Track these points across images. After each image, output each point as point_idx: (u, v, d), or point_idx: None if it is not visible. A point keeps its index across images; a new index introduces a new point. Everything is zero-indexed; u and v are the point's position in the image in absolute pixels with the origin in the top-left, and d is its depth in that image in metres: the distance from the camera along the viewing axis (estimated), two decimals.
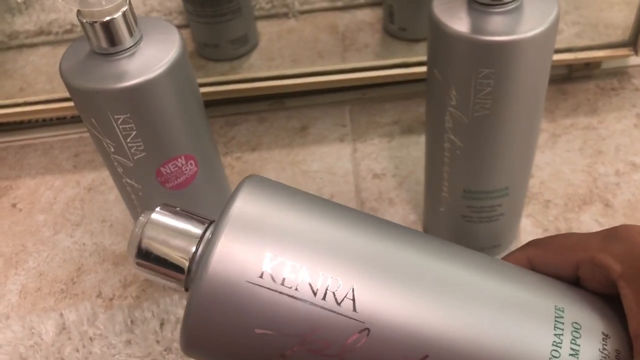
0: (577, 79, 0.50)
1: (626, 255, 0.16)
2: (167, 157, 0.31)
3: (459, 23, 0.29)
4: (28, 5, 0.63)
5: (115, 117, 0.29)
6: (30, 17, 0.63)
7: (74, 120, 0.53)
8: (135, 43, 0.29)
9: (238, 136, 0.51)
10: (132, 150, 0.31)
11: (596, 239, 0.18)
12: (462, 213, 0.36)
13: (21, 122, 0.53)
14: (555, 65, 0.32)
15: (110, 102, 0.29)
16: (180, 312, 0.38)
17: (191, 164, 0.33)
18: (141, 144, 0.30)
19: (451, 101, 0.31)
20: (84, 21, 0.27)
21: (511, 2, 0.29)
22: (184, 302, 0.38)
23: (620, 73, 0.50)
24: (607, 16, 0.52)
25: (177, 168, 0.32)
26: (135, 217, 0.36)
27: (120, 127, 0.29)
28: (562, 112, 0.48)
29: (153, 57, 0.29)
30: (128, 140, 0.30)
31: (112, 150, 0.31)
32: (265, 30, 0.59)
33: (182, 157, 0.32)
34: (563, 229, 0.40)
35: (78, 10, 0.27)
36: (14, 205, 0.48)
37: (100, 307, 0.40)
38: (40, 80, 0.58)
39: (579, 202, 0.42)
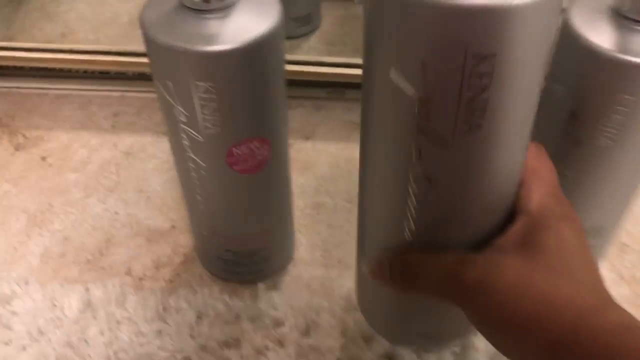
0: None
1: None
2: (243, 137, 0.28)
3: (603, 39, 0.25)
4: None
5: (197, 83, 0.25)
6: None
7: (118, 76, 0.49)
8: (233, 3, 0.25)
9: (291, 122, 0.47)
10: (206, 124, 0.27)
11: None
12: None
13: (60, 70, 0.49)
14: None
15: (195, 66, 0.25)
16: (221, 307, 0.34)
17: (265, 149, 0.29)
18: (218, 118, 0.26)
19: (572, 126, 0.27)
20: None
21: None
22: (225, 298, 0.35)
23: None
24: None
25: (250, 150, 0.28)
26: (189, 197, 0.32)
27: (200, 95, 0.26)
28: None
29: (250, 21, 0.25)
30: (205, 112, 0.26)
31: (183, 120, 0.27)
32: (329, 12, 0.55)
33: (258, 139, 0.28)
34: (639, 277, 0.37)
35: None
36: (43, 159, 0.44)
37: (129, 286, 0.36)
38: (84, 28, 0.54)
39: None
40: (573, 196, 0.30)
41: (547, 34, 0.19)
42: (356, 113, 0.48)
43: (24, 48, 0.48)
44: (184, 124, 0.27)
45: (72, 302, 0.34)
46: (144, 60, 0.47)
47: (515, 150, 0.21)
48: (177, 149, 0.29)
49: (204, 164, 0.29)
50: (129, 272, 0.37)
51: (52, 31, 0.53)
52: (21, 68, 0.49)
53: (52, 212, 0.40)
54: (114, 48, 0.47)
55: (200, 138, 0.27)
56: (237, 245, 0.34)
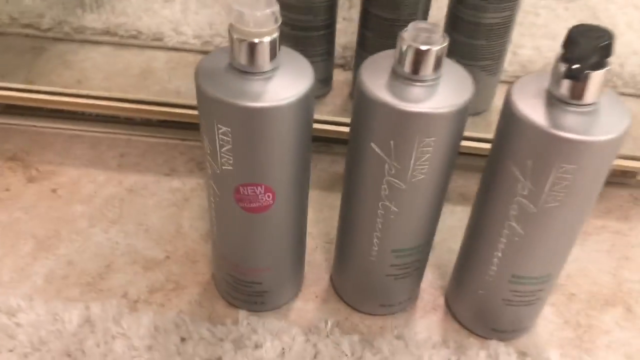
0: (612, 184, 0.52)
1: None
2: (247, 181, 0.32)
3: (538, 116, 0.30)
4: (100, 4, 0.66)
5: (218, 126, 0.30)
6: (99, 15, 0.65)
7: (126, 121, 0.54)
8: (274, 68, 0.30)
9: None
10: (223, 160, 0.32)
11: None
12: (503, 297, 0.37)
13: (74, 112, 0.54)
14: None
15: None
16: (205, 332, 0.37)
17: (268, 196, 0.33)
18: (231, 158, 0.31)
19: (523, 191, 0.32)
20: (235, 37, 0.28)
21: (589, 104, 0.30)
22: (208, 324, 0.38)
23: None
24: None
25: (253, 193, 0.33)
26: (212, 218, 0.36)
27: (220, 136, 0.31)
28: (595, 212, 0.50)
29: (288, 84, 0.30)
30: (223, 150, 0.31)
31: (208, 152, 0.32)
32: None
33: (262, 186, 0.33)
34: (584, 324, 0.42)
35: (230, 25, 0.29)
36: (54, 191, 0.48)
37: (125, 307, 0.39)
38: (97, 76, 0.59)
39: (602, 302, 0.43)
40: (528, 250, 0.34)
41: None
42: (340, 166, 0.53)
43: (42, 91, 0.53)
44: (209, 154, 0.32)
45: (72, 317, 0.38)
46: (150, 107, 0.53)
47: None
48: (207, 175, 0.34)
49: (219, 193, 0.33)
50: (125, 295, 0.41)
51: (69, 77, 0.58)
52: (39, 109, 0.54)
53: (59, 239, 0.44)
54: (124, 95, 0.53)
55: (217, 170, 0.32)
56: (236, 272, 0.38)
